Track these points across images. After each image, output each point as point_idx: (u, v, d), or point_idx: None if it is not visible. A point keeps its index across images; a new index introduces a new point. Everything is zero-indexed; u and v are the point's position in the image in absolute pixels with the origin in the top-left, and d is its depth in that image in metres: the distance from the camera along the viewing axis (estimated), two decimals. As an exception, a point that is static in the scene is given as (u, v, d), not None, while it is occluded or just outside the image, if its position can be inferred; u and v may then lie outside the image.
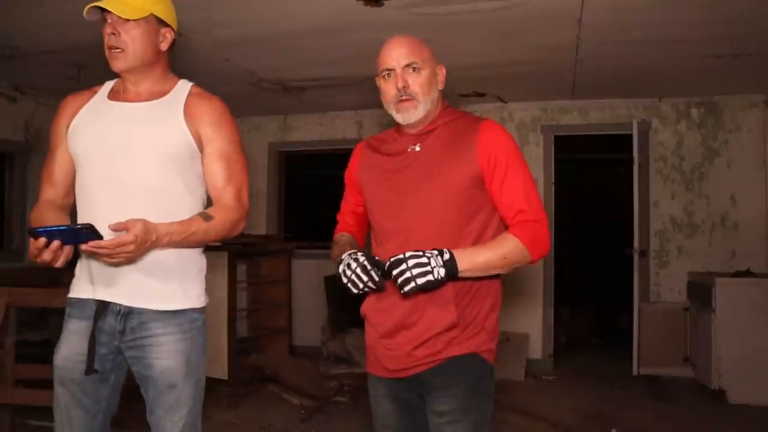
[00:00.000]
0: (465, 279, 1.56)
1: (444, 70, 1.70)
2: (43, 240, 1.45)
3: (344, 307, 5.65)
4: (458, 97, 5.27)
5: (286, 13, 3.39)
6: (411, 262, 1.46)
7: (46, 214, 1.71)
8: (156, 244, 1.56)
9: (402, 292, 1.48)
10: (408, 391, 1.67)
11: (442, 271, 1.47)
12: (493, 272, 1.57)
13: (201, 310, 1.78)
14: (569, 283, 7.43)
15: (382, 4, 3.23)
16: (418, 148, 1.66)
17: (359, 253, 1.59)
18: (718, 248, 5.20)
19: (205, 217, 1.67)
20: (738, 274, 4.77)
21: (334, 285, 5.75)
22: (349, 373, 5.07)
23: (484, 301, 1.63)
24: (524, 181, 1.61)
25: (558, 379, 5.21)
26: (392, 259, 1.48)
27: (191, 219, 1.64)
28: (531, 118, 5.61)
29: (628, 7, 3.26)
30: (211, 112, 1.73)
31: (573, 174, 7.24)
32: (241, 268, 5.11)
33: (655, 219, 5.34)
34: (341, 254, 1.65)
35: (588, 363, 5.76)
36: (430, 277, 1.46)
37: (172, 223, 1.59)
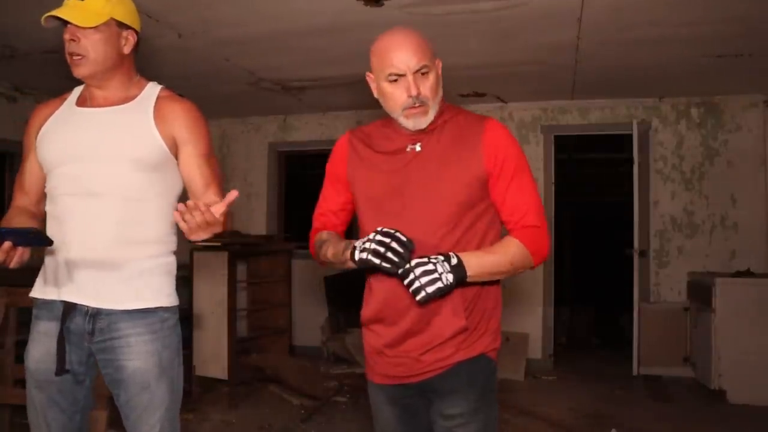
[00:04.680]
0: (470, 283, 1.53)
1: (440, 64, 1.62)
2: None
3: (344, 307, 5.66)
4: (458, 97, 5.27)
5: (286, 13, 3.39)
6: (418, 271, 1.40)
7: (14, 219, 1.70)
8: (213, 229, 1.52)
9: (417, 300, 1.42)
10: (411, 397, 1.64)
11: (451, 277, 1.42)
12: (498, 277, 1.54)
13: (172, 309, 1.74)
14: (569, 283, 7.43)
15: (382, 4, 3.23)
16: (418, 148, 1.59)
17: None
18: (718, 248, 5.20)
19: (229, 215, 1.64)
20: (738, 274, 4.77)
21: (334, 285, 5.75)
22: (349, 373, 5.08)
23: (488, 301, 1.61)
24: (529, 185, 1.58)
25: (558, 379, 5.20)
26: (400, 271, 1.42)
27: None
28: (531, 118, 5.61)
29: (629, 7, 3.26)
30: (185, 114, 1.71)
31: (573, 174, 7.24)
32: (241, 268, 5.12)
33: (655, 219, 5.34)
34: (342, 249, 1.55)
35: (588, 363, 5.76)
36: (439, 284, 1.40)
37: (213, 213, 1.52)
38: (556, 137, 5.61)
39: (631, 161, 5.20)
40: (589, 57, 4.15)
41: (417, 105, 1.53)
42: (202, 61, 4.23)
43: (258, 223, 6.24)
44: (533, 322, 5.49)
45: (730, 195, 5.19)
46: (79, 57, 1.64)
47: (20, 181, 1.79)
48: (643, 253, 5.23)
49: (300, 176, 7.08)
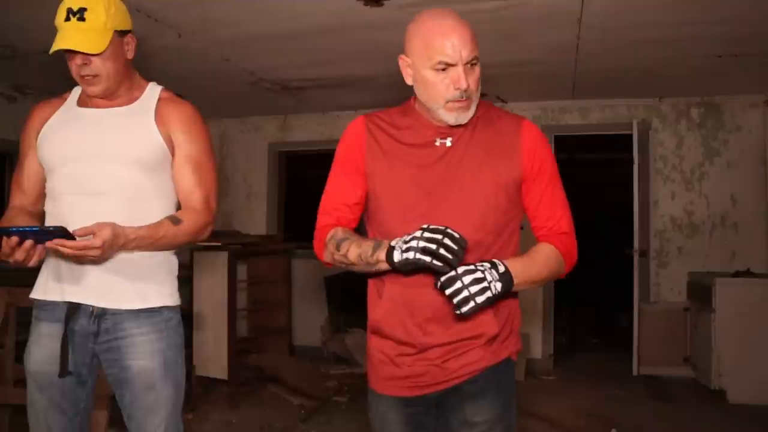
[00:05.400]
0: None
1: None
2: (15, 239, 1.44)
3: (344, 307, 5.66)
4: (458, 97, 5.27)
5: (286, 13, 3.38)
6: (467, 279, 1.27)
7: (16, 219, 1.71)
8: (124, 248, 1.57)
9: (459, 312, 1.29)
10: (427, 408, 1.54)
11: (499, 286, 1.30)
12: (536, 286, 1.46)
13: (175, 309, 1.76)
14: (569, 283, 7.41)
15: (382, 4, 3.23)
16: (448, 143, 1.46)
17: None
18: (718, 248, 5.19)
19: (174, 221, 1.65)
20: (738, 274, 4.77)
21: (334, 285, 5.75)
22: (349, 373, 5.07)
23: (511, 303, 1.55)
24: (562, 191, 1.54)
25: (558, 379, 5.21)
26: (443, 278, 1.28)
27: (159, 223, 1.63)
28: (531, 118, 5.50)
29: (628, 8, 3.26)
30: (182, 117, 1.72)
31: (573, 174, 7.23)
32: (241, 268, 5.11)
33: (655, 219, 5.34)
34: (371, 250, 1.38)
35: (588, 363, 5.76)
36: (489, 294, 1.28)
37: (140, 227, 1.58)
38: (556, 137, 5.61)
39: (630, 161, 5.20)
40: (589, 57, 4.15)
41: (463, 99, 1.41)
42: (202, 61, 4.22)
43: (258, 223, 6.24)
44: (533, 322, 5.49)
45: (730, 195, 5.18)
46: (92, 77, 1.64)
47: (18, 181, 1.78)
48: (643, 253, 5.23)
49: (300, 176, 7.08)
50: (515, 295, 1.56)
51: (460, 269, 1.28)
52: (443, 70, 1.39)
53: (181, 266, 1.84)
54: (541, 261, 1.46)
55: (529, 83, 4.91)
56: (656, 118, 5.38)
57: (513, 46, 3.95)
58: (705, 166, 5.26)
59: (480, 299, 1.27)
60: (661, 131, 5.36)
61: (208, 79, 4.72)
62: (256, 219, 6.27)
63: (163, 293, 1.71)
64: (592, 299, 7.22)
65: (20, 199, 1.77)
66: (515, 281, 1.35)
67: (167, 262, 1.75)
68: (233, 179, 6.35)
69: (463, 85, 1.38)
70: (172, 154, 1.71)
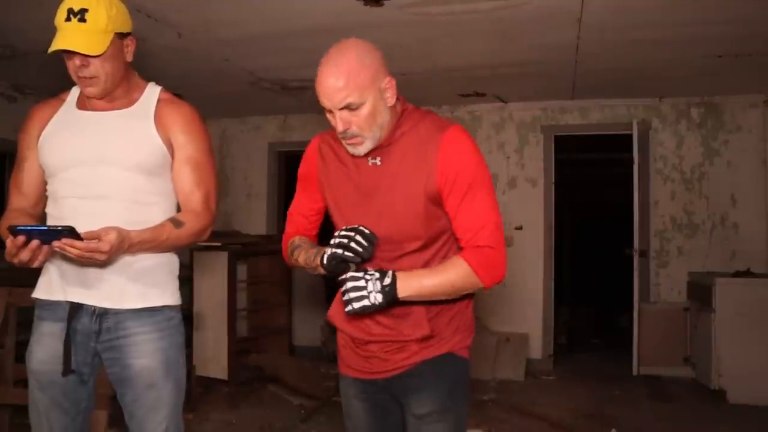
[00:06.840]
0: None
1: (393, 82, 1.49)
2: (22, 238, 1.44)
3: (344, 307, 5.66)
4: (458, 97, 5.27)
5: (286, 13, 3.39)
6: (349, 285, 1.41)
7: (17, 221, 1.67)
8: (128, 252, 1.58)
9: (345, 310, 1.44)
10: (381, 393, 1.64)
11: (380, 297, 1.40)
12: (440, 297, 1.48)
13: (176, 308, 1.76)
14: (569, 283, 7.43)
15: (382, 4, 3.23)
16: (378, 162, 1.53)
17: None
18: (718, 248, 5.20)
19: (176, 223, 1.66)
20: (738, 274, 4.77)
21: (334, 285, 5.74)
22: (349, 373, 5.07)
23: (455, 305, 1.58)
24: (485, 202, 1.49)
25: (558, 379, 5.21)
26: (339, 279, 1.45)
27: (162, 226, 1.64)
28: (531, 118, 5.61)
29: (628, 8, 3.26)
30: (181, 119, 1.71)
31: (573, 174, 7.24)
32: (241, 268, 5.12)
33: (655, 219, 5.35)
34: (313, 255, 1.55)
35: (588, 363, 5.77)
36: (366, 302, 1.40)
37: (144, 230, 1.59)
38: (556, 137, 5.61)
39: (630, 161, 5.20)
40: (589, 57, 4.15)
41: (348, 137, 1.47)
42: (202, 61, 4.22)
43: (258, 223, 6.25)
44: (533, 322, 5.50)
45: (730, 195, 5.19)
46: (90, 78, 1.63)
47: (18, 183, 1.77)
48: (643, 253, 5.23)
49: (300, 176, 7.07)
50: (468, 295, 1.59)
51: (349, 275, 1.43)
52: (328, 111, 1.47)
53: (181, 266, 1.84)
54: (441, 275, 1.47)
55: (529, 83, 4.92)
56: (656, 118, 5.38)
57: (513, 46, 3.95)
58: (705, 166, 5.27)
59: (357, 305, 1.40)
60: (661, 131, 5.37)
61: (208, 79, 4.72)
62: (256, 219, 6.27)
63: (165, 293, 1.72)
64: (592, 299, 7.24)
65: (19, 201, 1.76)
66: (401, 294, 1.42)
67: (169, 263, 1.75)
68: (233, 179, 6.35)
69: (339, 129, 1.45)
70: (172, 156, 1.71)
